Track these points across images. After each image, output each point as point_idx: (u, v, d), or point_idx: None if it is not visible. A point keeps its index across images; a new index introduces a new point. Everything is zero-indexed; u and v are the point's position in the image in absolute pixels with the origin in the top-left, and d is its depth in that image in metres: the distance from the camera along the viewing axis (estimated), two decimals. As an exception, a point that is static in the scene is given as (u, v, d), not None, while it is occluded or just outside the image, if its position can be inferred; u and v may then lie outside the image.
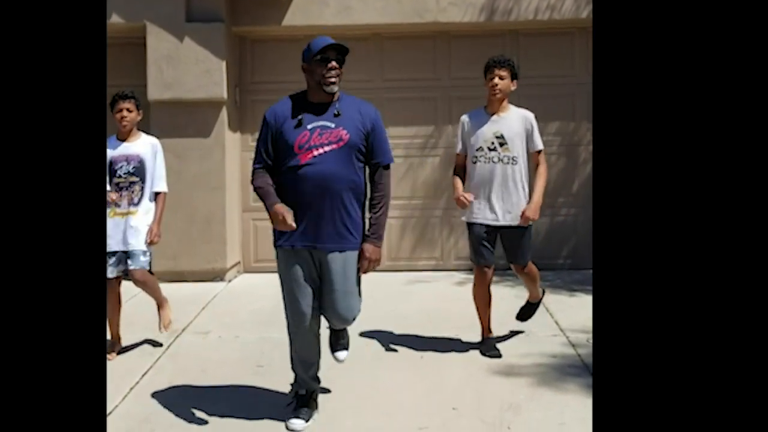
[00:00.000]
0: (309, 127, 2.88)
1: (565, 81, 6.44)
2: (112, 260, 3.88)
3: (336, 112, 2.90)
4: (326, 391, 3.35)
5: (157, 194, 4.03)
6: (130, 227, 3.89)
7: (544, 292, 4.28)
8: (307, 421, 3.02)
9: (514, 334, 4.30)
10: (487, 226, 3.86)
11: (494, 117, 3.87)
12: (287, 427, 2.99)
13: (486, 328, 4.04)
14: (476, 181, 3.87)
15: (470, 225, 3.91)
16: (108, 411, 3.18)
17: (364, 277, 3.02)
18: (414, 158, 6.53)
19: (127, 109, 3.95)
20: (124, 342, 4.16)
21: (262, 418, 3.09)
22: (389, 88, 6.46)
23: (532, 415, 3.10)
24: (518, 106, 3.97)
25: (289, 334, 3.04)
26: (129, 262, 3.89)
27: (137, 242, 3.90)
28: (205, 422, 3.07)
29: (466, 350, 4.02)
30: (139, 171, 3.96)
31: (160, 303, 4.09)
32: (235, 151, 6.42)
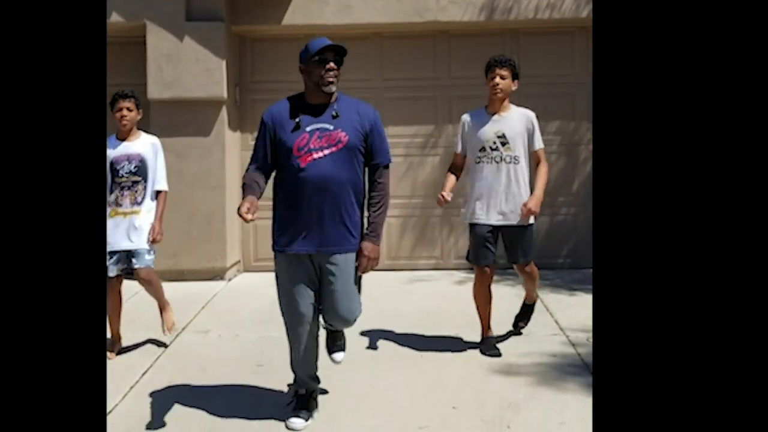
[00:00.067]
0: (307, 129, 2.87)
1: (565, 80, 6.43)
2: (112, 259, 3.88)
3: (334, 114, 2.89)
4: (326, 390, 3.35)
5: (158, 193, 4.04)
6: (133, 226, 3.89)
7: (537, 296, 4.28)
8: (306, 420, 3.02)
9: (513, 333, 4.30)
10: (491, 226, 3.86)
11: (496, 117, 3.87)
12: (287, 427, 2.99)
13: (486, 327, 4.04)
14: (480, 182, 3.87)
15: (472, 225, 3.91)
16: (108, 410, 3.18)
17: (363, 276, 3.02)
18: (414, 157, 6.53)
19: (127, 108, 3.95)
20: (125, 341, 4.16)
21: (262, 418, 3.09)
22: (389, 87, 6.46)
23: (532, 414, 3.11)
24: (518, 105, 3.97)
25: (288, 335, 3.03)
26: (134, 261, 3.89)
27: (141, 241, 3.90)
28: (205, 421, 3.07)
29: (466, 349, 4.02)
30: (141, 170, 3.95)
31: (163, 306, 4.08)
32: (235, 150, 6.42)
